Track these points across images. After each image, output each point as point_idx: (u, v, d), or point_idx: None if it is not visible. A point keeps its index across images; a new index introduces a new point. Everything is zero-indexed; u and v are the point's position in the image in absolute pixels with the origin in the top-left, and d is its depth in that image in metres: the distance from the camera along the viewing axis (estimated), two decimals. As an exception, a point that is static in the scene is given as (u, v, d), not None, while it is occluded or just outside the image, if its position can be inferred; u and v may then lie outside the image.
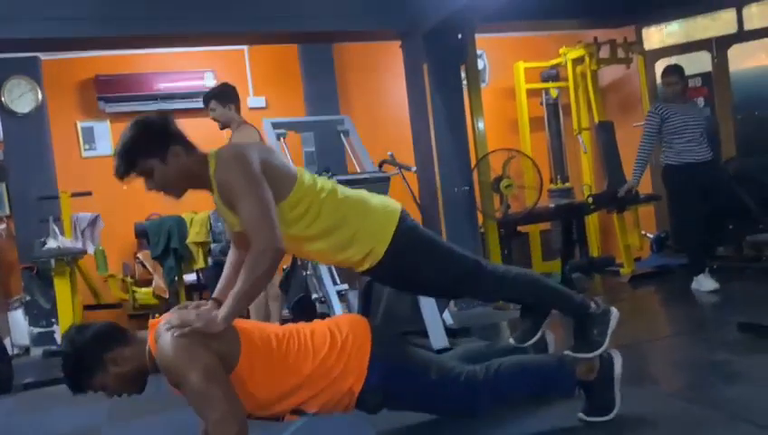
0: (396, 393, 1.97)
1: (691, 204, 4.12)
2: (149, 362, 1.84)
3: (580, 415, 2.09)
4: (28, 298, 4.68)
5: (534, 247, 5.84)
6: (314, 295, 3.75)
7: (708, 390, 2.33)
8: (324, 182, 2.02)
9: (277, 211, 1.86)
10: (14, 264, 4.89)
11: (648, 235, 5.64)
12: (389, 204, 2.09)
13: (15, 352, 4.71)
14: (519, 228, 5.02)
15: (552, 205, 4.82)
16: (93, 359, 1.83)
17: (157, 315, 2.02)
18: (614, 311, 2.17)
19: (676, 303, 4.27)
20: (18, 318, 4.80)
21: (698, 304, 4.02)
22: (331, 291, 3.67)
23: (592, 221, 5.92)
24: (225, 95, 3.70)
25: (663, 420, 2.04)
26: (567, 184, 6.00)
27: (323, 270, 3.76)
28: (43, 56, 5.07)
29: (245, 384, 1.79)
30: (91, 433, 2.58)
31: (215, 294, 2.06)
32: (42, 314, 4.66)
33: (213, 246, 4.42)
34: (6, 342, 4.48)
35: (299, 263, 4.13)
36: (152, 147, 1.85)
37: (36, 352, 4.71)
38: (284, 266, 4.92)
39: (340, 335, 1.93)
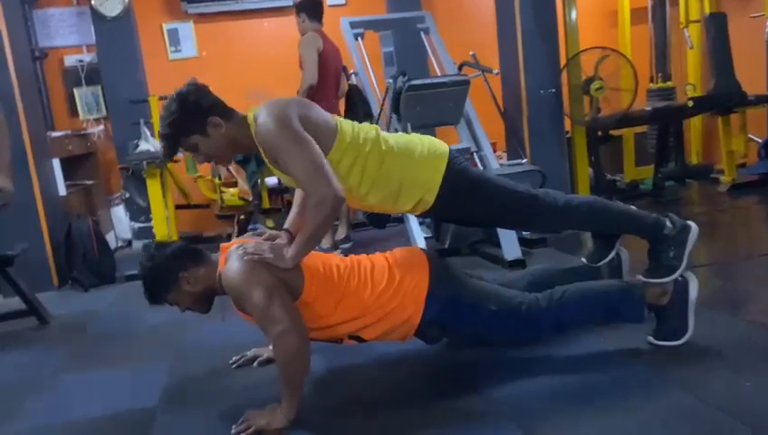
0: (454, 326, 1.98)
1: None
2: (218, 284, 1.93)
3: (650, 338, 2.02)
4: (127, 195, 5.00)
5: (628, 152, 5.51)
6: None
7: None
8: (367, 132, 1.94)
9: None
10: (113, 163, 5.20)
11: (755, 139, 5.16)
12: (436, 148, 2.00)
13: (119, 244, 5.12)
14: (612, 132, 4.74)
15: (649, 107, 4.45)
16: (170, 275, 1.94)
17: (234, 235, 2.11)
18: (693, 227, 2.02)
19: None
20: (120, 213, 5.17)
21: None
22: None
23: (694, 125, 5.48)
24: (300, 6, 3.97)
25: (731, 350, 1.94)
26: (669, 83, 5.51)
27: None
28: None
29: (307, 311, 1.84)
30: (178, 326, 2.79)
31: (286, 225, 2.10)
32: (141, 211, 4.99)
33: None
34: (110, 235, 4.87)
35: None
36: (191, 123, 1.83)
37: (138, 245, 5.08)
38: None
39: (398, 271, 1.94)
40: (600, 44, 4.36)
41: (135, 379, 2.32)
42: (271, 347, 2.25)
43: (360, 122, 4.04)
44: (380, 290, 1.91)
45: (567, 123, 4.44)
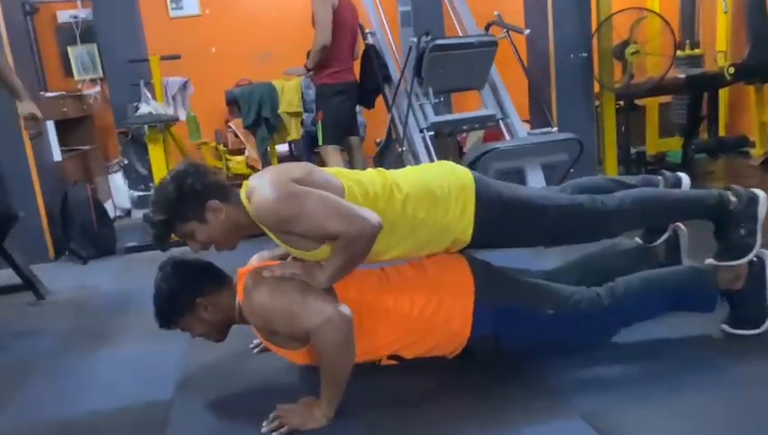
0: (510, 337, 1.74)
1: None
2: (237, 313, 1.74)
3: (724, 326, 1.81)
4: (126, 162, 4.74)
5: (651, 123, 5.25)
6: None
7: None
8: (373, 184, 1.65)
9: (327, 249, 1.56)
10: (111, 127, 4.91)
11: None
12: (459, 179, 1.73)
13: (118, 214, 4.87)
14: (636, 102, 4.48)
15: (683, 75, 4.19)
16: (186, 300, 1.73)
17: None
18: (761, 197, 1.77)
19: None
20: (118, 181, 4.91)
21: None
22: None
23: (722, 95, 5.22)
24: None
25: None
26: (697, 51, 5.23)
27: (419, 146, 3.50)
28: None
29: None
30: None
31: None
32: (140, 178, 4.73)
33: (305, 115, 4.20)
34: (108, 204, 4.61)
35: (393, 137, 3.87)
36: (187, 209, 1.59)
37: (137, 214, 4.83)
38: (377, 140, 4.69)
39: (438, 281, 1.71)
40: (625, 6, 4.08)
41: (144, 364, 2.09)
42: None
43: (379, 86, 3.73)
44: (421, 305, 1.68)
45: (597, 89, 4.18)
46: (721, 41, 5.06)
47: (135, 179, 4.71)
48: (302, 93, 4.04)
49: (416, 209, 1.66)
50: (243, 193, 1.61)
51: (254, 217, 1.56)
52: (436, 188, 1.70)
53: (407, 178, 1.71)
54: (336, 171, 1.69)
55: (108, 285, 3.14)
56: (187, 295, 1.73)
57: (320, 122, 3.66)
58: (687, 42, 5.27)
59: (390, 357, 1.75)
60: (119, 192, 4.89)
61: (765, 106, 4.55)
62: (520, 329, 1.73)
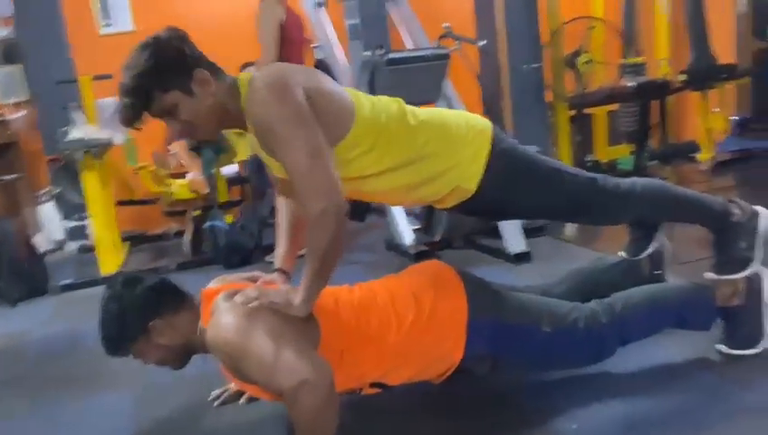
0: (506, 356, 1.60)
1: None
2: (200, 340, 1.50)
3: (720, 347, 1.72)
4: (58, 191, 4.39)
5: (600, 131, 5.28)
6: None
7: None
8: (387, 106, 1.52)
9: (333, 154, 1.41)
10: (39, 154, 4.54)
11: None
12: (477, 123, 1.60)
13: (50, 247, 4.50)
14: (584, 110, 4.49)
15: (631, 83, 4.21)
16: (139, 323, 1.50)
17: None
18: (762, 213, 1.73)
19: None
20: (49, 211, 4.55)
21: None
22: (388, 186, 3.27)
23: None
24: None
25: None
26: (640, 58, 5.30)
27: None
28: None
29: None
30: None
31: (276, 263, 1.67)
32: (74, 208, 4.39)
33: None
34: (39, 238, 4.26)
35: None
36: (171, 74, 1.38)
37: (71, 246, 4.50)
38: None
39: (427, 298, 1.54)
40: (571, 17, 4.08)
41: (86, 424, 1.84)
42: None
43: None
44: (408, 326, 1.50)
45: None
46: (662, 48, 5.15)
47: (68, 209, 4.37)
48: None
49: (427, 139, 1.52)
50: (242, 77, 1.44)
51: (248, 107, 1.39)
52: (453, 126, 1.57)
53: (424, 111, 1.58)
54: (352, 91, 1.54)
55: (40, 330, 2.83)
56: (140, 316, 1.50)
57: None
58: (631, 50, 5.35)
59: (374, 385, 1.56)
60: (50, 223, 4.53)
61: (710, 112, 4.62)
62: (516, 347, 1.59)
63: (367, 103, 1.50)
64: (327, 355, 1.38)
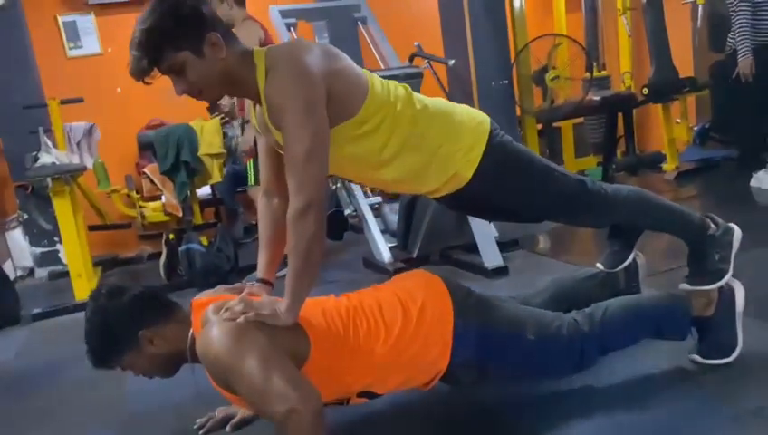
0: (492, 364, 1.61)
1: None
2: (189, 349, 1.49)
3: (694, 357, 1.77)
4: (26, 217, 4.31)
5: (567, 143, 5.41)
6: (346, 211, 3.37)
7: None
8: (396, 87, 1.57)
9: (340, 130, 1.46)
10: (6, 180, 4.46)
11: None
12: (477, 114, 1.67)
13: (19, 274, 4.41)
14: (553, 124, 4.59)
15: (597, 96, 4.32)
16: (126, 334, 1.48)
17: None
18: (736, 229, 1.81)
19: (740, 203, 3.85)
20: (18, 238, 4.45)
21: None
22: (364, 205, 3.31)
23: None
24: None
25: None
26: (604, 72, 5.46)
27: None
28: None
29: (313, 378, 1.43)
30: (114, 376, 2.29)
31: (259, 274, 1.67)
32: (43, 234, 4.32)
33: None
34: (7, 265, 4.17)
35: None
36: (183, 33, 1.38)
37: (41, 273, 4.41)
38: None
39: (414, 306, 1.55)
40: (536, 34, 4.18)
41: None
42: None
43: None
44: (396, 334, 1.51)
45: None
46: (625, 62, 5.31)
47: (37, 235, 4.29)
48: (225, 133, 3.81)
49: (431, 123, 1.56)
50: (260, 52, 1.43)
51: (268, 86, 1.40)
52: (455, 113, 1.62)
53: (428, 98, 1.62)
54: (366, 71, 1.57)
55: (11, 362, 2.75)
56: (127, 328, 1.48)
57: (251, 161, 3.44)
58: (594, 64, 5.50)
59: (361, 394, 1.56)
60: (19, 250, 4.43)
61: (672, 123, 4.77)
62: (501, 354, 1.61)
63: (378, 83, 1.54)
64: (315, 368, 1.39)
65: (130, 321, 1.49)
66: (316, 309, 1.51)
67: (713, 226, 1.80)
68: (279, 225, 1.65)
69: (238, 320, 1.37)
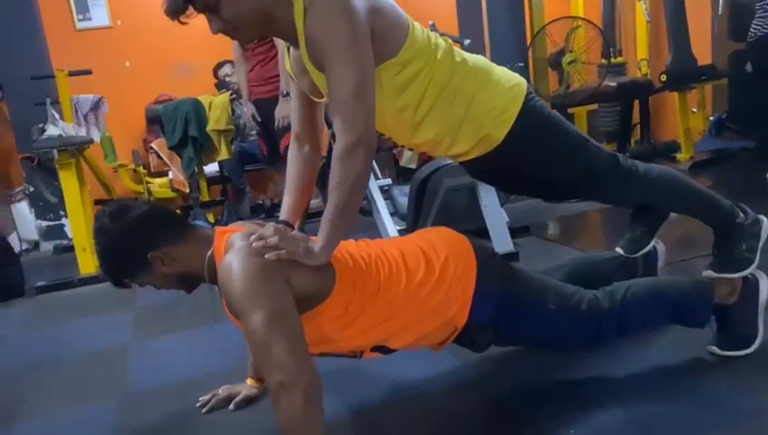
0: (508, 327, 1.58)
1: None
2: (208, 271, 1.44)
3: (713, 348, 1.72)
4: (32, 189, 4.28)
5: (581, 130, 5.32)
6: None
7: None
8: (437, 38, 1.49)
9: (380, 71, 1.39)
10: (12, 152, 4.43)
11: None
12: (513, 77, 1.58)
13: (24, 247, 4.39)
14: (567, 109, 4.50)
15: (613, 83, 4.23)
16: (134, 256, 1.43)
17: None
18: (764, 220, 1.75)
19: (756, 195, 3.79)
20: (23, 211, 4.43)
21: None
22: (374, 187, 3.24)
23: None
24: None
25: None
26: (620, 59, 5.36)
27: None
28: None
29: (331, 320, 1.41)
30: (117, 352, 2.25)
31: (282, 215, 1.61)
32: (49, 207, 4.29)
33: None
34: (12, 238, 4.14)
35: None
36: None
37: (46, 246, 4.40)
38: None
39: (437, 259, 1.50)
40: (553, 17, 4.09)
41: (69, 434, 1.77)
42: (248, 382, 1.81)
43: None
44: (418, 282, 1.46)
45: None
46: (642, 49, 5.21)
47: (43, 208, 4.27)
48: (233, 109, 3.75)
49: (468, 77, 1.49)
50: None
51: (309, 18, 1.33)
52: (494, 72, 1.55)
53: (467, 54, 1.55)
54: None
55: (16, 335, 2.73)
56: (134, 249, 1.43)
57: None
58: (611, 50, 5.40)
59: (375, 349, 1.52)
60: (24, 223, 4.41)
61: (688, 112, 4.68)
62: (520, 320, 1.57)
63: (419, 27, 1.47)
64: (335, 304, 1.36)
65: (137, 241, 1.42)
66: (341, 247, 1.46)
67: (741, 214, 1.74)
68: (307, 172, 1.62)
69: (268, 256, 1.31)
